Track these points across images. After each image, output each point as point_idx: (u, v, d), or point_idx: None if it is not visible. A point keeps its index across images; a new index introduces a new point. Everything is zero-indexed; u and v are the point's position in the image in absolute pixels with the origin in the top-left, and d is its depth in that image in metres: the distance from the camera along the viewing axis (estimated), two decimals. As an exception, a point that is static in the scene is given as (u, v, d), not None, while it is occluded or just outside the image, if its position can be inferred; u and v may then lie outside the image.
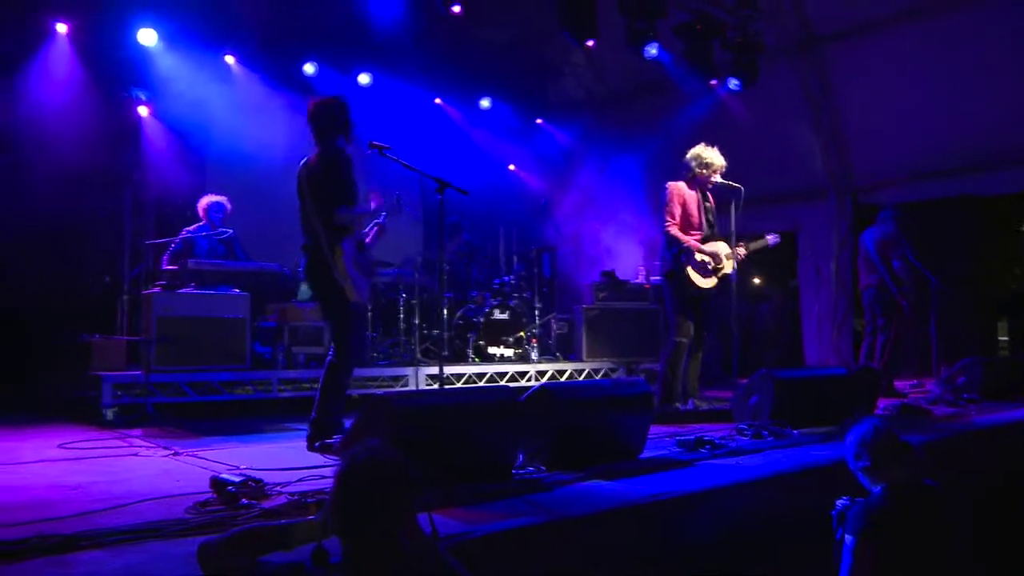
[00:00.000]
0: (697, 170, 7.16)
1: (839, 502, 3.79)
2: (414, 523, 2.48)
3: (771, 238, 7.53)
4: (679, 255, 7.14)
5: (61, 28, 8.81)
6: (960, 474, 5.14)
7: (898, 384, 9.35)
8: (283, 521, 2.75)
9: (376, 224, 5.61)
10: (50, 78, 8.65)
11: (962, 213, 10.79)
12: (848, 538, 3.61)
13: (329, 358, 5.47)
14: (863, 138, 10.85)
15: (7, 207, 8.09)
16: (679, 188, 7.19)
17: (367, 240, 5.57)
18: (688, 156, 7.24)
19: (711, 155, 7.17)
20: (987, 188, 10.17)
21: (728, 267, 7.25)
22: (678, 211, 7.13)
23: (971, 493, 4.98)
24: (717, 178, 7.17)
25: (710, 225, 7.29)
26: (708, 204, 7.33)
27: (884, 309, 8.85)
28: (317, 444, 5.32)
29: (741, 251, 7.24)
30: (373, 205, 5.53)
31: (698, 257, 7.13)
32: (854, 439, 3.78)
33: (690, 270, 7.12)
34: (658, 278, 8.06)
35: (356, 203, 5.40)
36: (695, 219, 7.19)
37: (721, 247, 7.20)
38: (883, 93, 10.35)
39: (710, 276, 7.20)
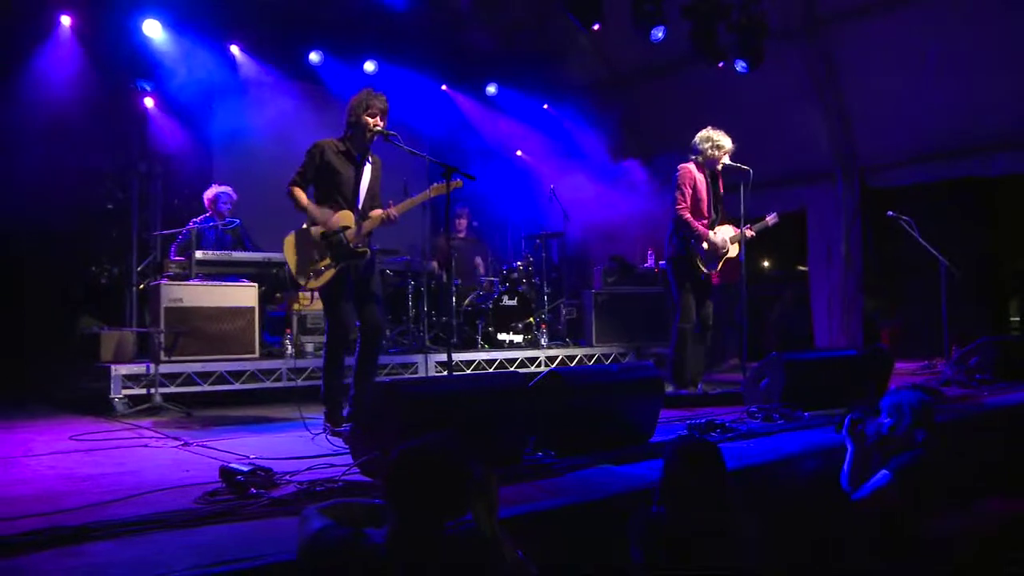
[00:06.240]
0: (708, 152, 7.11)
1: (850, 415, 4.14)
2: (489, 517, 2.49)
3: (770, 217, 7.50)
4: (687, 240, 7.11)
5: (65, 20, 8.80)
6: (972, 455, 5.11)
7: (909, 365, 9.31)
8: (377, 500, 2.77)
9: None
10: (56, 71, 8.64)
11: (971, 193, 10.73)
12: (884, 472, 3.92)
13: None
14: (869, 119, 10.78)
15: (14, 200, 8.10)
16: (690, 170, 7.13)
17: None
18: (697, 138, 7.19)
19: (720, 137, 7.13)
20: (994, 169, 10.10)
21: (733, 251, 7.24)
22: (689, 193, 7.08)
23: (983, 473, 4.95)
24: (726, 159, 7.13)
25: (717, 211, 7.27)
26: (717, 190, 7.29)
27: None
28: (330, 430, 5.35)
29: (749, 232, 7.23)
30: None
31: (706, 245, 7.12)
32: (908, 410, 4.05)
33: (697, 257, 7.11)
34: (663, 261, 8.00)
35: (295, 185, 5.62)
36: (704, 203, 7.15)
37: (727, 231, 7.21)
38: (889, 74, 10.24)
39: (715, 262, 7.20)
